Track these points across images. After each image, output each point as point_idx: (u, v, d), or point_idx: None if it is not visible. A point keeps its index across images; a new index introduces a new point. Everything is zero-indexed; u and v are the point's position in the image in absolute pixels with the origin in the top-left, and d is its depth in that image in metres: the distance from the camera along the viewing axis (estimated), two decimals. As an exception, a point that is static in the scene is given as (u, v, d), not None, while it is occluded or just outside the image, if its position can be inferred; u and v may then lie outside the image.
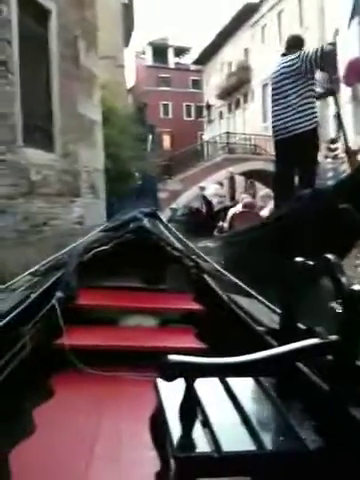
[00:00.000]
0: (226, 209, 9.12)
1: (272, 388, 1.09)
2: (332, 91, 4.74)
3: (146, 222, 2.88)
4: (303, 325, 1.08)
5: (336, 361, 0.93)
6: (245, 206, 6.82)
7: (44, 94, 6.09)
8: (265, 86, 20.74)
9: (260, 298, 2.02)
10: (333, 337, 0.93)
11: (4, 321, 1.73)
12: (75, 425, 1.60)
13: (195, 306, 2.41)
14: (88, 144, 7.34)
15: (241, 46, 26.39)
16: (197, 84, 36.28)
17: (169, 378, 0.86)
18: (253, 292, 2.13)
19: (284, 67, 4.09)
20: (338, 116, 4.16)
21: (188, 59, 37.66)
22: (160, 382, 1.00)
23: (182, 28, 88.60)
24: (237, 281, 2.40)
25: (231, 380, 1.09)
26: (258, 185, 20.37)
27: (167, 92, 36.93)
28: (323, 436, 0.92)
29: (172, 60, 38.72)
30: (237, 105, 27.74)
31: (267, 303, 1.90)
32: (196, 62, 33.45)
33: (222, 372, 0.97)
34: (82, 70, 7.15)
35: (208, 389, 1.03)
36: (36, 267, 2.56)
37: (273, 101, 4.26)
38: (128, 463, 1.41)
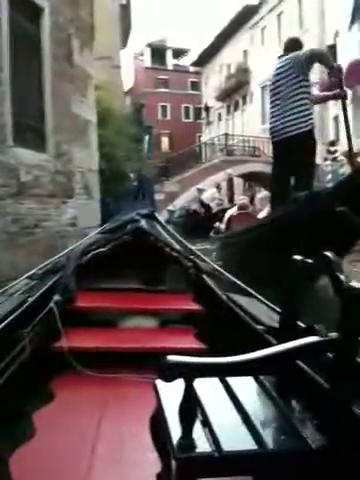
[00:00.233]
0: (224, 211, 9.12)
1: (273, 387, 1.08)
2: (340, 95, 4.66)
3: (144, 223, 2.89)
4: (303, 323, 1.08)
5: (336, 359, 0.92)
6: (240, 208, 6.85)
7: (36, 93, 5.96)
8: (264, 88, 20.68)
9: (259, 297, 2.00)
10: (333, 334, 0.93)
11: (2, 325, 1.71)
12: (76, 428, 1.59)
13: (194, 306, 2.42)
14: (82, 144, 7.23)
15: (240, 48, 26.35)
16: (196, 86, 36.27)
17: (168, 379, 0.86)
18: (252, 291, 2.12)
19: (279, 68, 4.12)
20: (345, 119, 4.09)
21: (187, 61, 37.65)
22: (159, 383, 0.99)
23: (181, 30, 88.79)
24: (236, 280, 2.38)
25: (231, 379, 1.09)
26: (257, 187, 20.28)
27: (165, 94, 36.92)
28: (325, 434, 0.91)
29: (171, 62, 38.73)
30: (236, 107, 27.68)
31: (266, 302, 1.89)
32: (195, 64, 33.44)
33: (221, 372, 0.96)
34: (76, 69, 7.03)
35: (208, 389, 1.02)
36: (33, 270, 2.52)
37: (270, 103, 4.29)
38: (129, 465, 1.41)
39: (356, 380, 0.92)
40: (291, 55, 4.04)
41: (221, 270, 2.65)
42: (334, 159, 10.73)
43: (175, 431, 0.87)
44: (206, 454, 0.84)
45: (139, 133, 12.78)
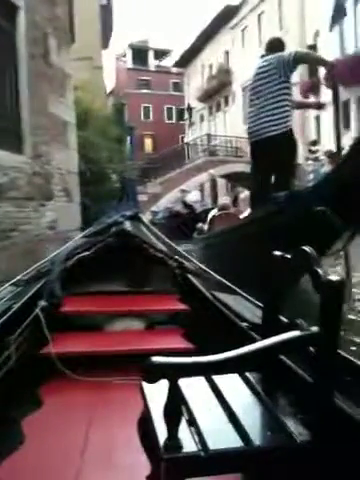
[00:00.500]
0: (207, 211, 9.10)
1: (258, 384, 1.09)
2: (321, 106, 4.65)
3: (128, 225, 2.90)
4: (285, 318, 1.10)
5: (318, 352, 0.93)
6: (221, 208, 6.85)
7: (12, 93, 5.81)
8: (246, 89, 20.72)
9: (244, 294, 2.01)
10: (314, 328, 0.94)
11: None
12: (65, 433, 1.59)
13: (181, 306, 2.42)
14: (61, 145, 7.09)
15: (221, 49, 26.38)
16: (178, 87, 36.24)
17: (152, 380, 0.86)
18: (237, 288, 2.13)
19: (261, 68, 4.07)
20: (336, 120, 4.11)
21: (169, 62, 37.56)
22: (146, 385, 0.99)
23: (163, 30, 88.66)
24: (221, 279, 2.38)
25: (217, 378, 1.09)
26: (240, 188, 20.31)
27: (148, 95, 36.83)
28: (310, 429, 0.91)
29: (152, 62, 38.62)
30: (218, 108, 27.70)
31: (250, 299, 1.90)
32: (177, 65, 33.36)
33: (205, 370, 0.95)
34: (54, 69, 6.90)
35: (194, 388, 1.03)
36: (18, 277, 2.50)
37: (250, 102, 4.24)
38: (119, 468, 1.41)
39: (338, 372, 0.94)
40: (274, 55, 3.98)
41: (206, 269, 2.67)
42: (315, 159, 10.78)
43: (162, 432, 0.87)
44: (192, 454, 0.84)
45: (121, 134, 12.67)
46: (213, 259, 5.13)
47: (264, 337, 1.00)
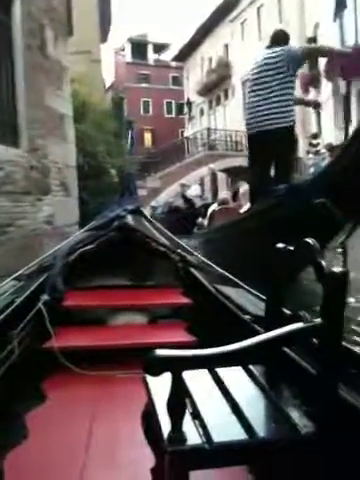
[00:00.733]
0: (207, 206, 9.02)
1: (262, 376, 1.09)
2: (318, 105, 4.61)
3: (130, 219, 2.90)
4: (288, 311, 1.09)
5: (321, 344, 0.93)
6: (221, 203, 6.79)
7: (7, 85, 5.72)
8: (245, 82, 20.57)
9: (247, 287, 2.01)
10: (317, 320, 0.93)
11: None
12: (69, 427, 1.59)
13: (184, 300, 2.42)
14: (58, 139, 7.00)
15: (221, 42, 26.21)
16: (177, 81, 36.05)
17: (155, 373, 0.85)
18: (239, 281, 2.13)
19: (268, 59, 3.96)
20: (345, 115, 4.07)
21: (168, 55, 37.33)
22: (149, 378, 0.99)
23: (162, 24, 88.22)
24: (223, 272, 2.39)
25: (221, 370, 1.09)
26: (240, 182, 20.22)
27: (147, 89, 36.66)
28: (314, 420, 0.91)
29: (152, 56, 38.42)
30: (218, 102, 27.55)
31: (253, 291, 1.90)
32: (176, 58, 33.15)
33: (208, 363, 0.96)
34: (50, 61, 6.79)
35: (198, 381, 1.03)
36: (20, 271, 2.50)
37: (251, 92, 4.12)
38: (123, 461, 1.41)
39: (342, 364, 0.93)
40: (284, 48, 3.90)
41: (209, 262, 2.66)
42: (316, 152, 10.69)
43: (166, 425, 0.87)
44: (197, 446, 0.84)
45: (120, 128, 12.58)
46: (214, 254, 5.09)
47: (267, 330, 1.00)
